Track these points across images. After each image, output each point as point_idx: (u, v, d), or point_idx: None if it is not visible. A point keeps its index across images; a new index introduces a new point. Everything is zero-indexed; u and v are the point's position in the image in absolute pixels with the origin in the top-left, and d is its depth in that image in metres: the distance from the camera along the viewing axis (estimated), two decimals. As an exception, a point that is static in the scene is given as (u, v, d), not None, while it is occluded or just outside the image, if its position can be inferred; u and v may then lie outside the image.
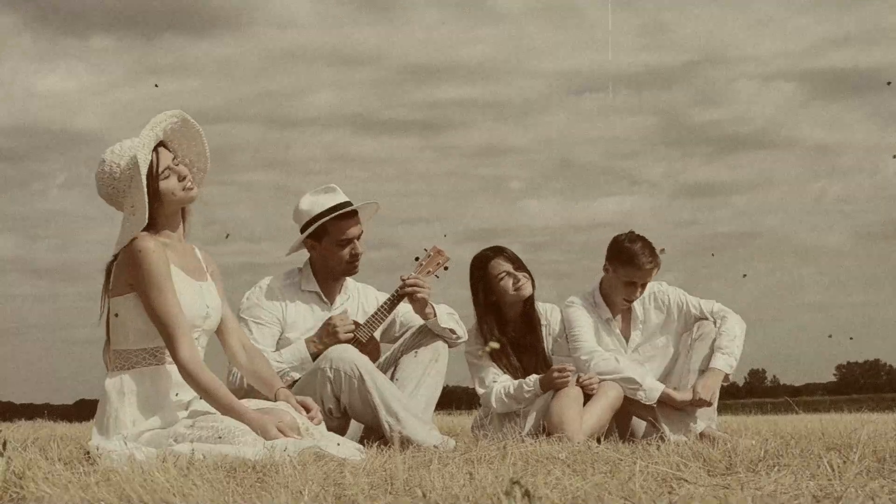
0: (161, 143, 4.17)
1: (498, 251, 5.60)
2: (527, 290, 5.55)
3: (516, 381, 5.45)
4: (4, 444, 3.47)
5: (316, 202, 5.23)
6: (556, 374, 5.33)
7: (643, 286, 5.56)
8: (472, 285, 5.62)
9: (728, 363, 5.44)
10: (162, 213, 4.14)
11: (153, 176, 4.08)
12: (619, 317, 5.67)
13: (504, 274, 5.53)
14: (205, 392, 4.04)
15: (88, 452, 3.95)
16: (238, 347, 4.39)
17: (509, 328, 5.59)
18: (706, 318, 5.59)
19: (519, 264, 5.58)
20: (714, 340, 5.48)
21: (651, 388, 5.37)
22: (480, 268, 5.58)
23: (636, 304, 5.64)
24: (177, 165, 4.15)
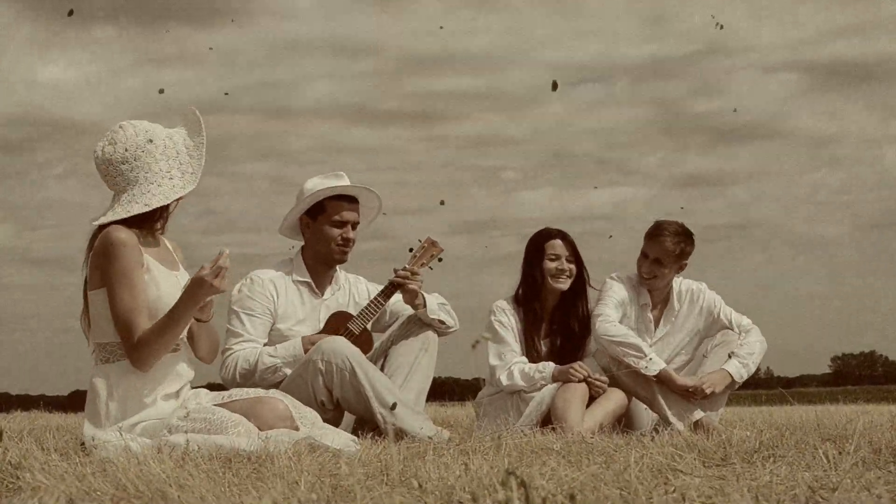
0: None
1: (563, 234, 5.61)
2: (563, 284, 5.54)
3: (533, 364, 5.45)
4: (0, 435, 3.47)
5: (320, 183, 5.25)
6: (572, 371, 5.34)
7: (657, 263, 5.56)
8: (524, 254, 5.64)
9: (739, 372, 5.49)
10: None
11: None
12: (657, 308, 5.69)
13: (554, 256, 5.55)
14: (164, 337, 3.96)
15: (83, 443, 3.95)
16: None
17: (546, 313, 5.58)
18: (732, 329, 5.62)
19: (574, 256, 5.58)
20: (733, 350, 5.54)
21: (654, 361, 5.37)
22: (538, 240, 5.60)
23: (675, 299, 5.67)
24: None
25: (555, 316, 5.62)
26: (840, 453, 3.27)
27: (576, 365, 5.36)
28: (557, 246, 5.56)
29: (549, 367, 5.41)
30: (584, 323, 5.60)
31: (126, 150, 4.06)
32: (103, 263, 4.01)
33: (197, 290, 3.95)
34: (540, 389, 5.39)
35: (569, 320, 5.60)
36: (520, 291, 5.63)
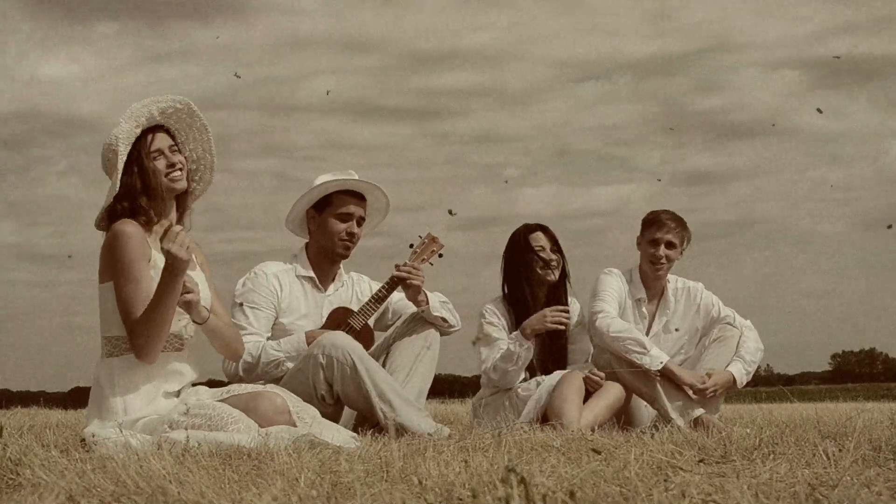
0: (166, 129, 4.16)
1: (543, 227, 5.61)
2: (553, 275, 5.54)
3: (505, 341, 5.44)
4: (1, 431, 3.47)
5: (329, 179, 5.25)
6: (548, 316, 5.33)
7: (668, 246, 5.57)
8: (506, 254, 5.61)
9: (742, 379, 5.49)
10: (151, 196, 4.09)
11: (146, 153, 4.08)
12: (652, 302, 5.69)
13: (540, 248, 5.54)
14: (153, 323, 3.93)
15: (84, 440, 3.95)
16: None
17: (538, 308, 5.49)
18: (730, 324, 5.61)
19: (557, 247, 5.58)
20: (735, 348, 5.53)
21: (656, 356, 5.36)
22: (522, 234, 5.58)
23: (670, 293, 5.67)
24: (173, 153, 4.12)
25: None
26: (840, 450, 3.27)
27: (546, 310, 5.35)
28: (541, 238, 5.56)
29: (516, 333, 5.38)
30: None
31: (115, 137, 4.06)
32: (109, 256, 4.02)
33: (165, 270, 3.92)
34: (522, 360, 5.36)
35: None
36: (506, 290, 5.61)
